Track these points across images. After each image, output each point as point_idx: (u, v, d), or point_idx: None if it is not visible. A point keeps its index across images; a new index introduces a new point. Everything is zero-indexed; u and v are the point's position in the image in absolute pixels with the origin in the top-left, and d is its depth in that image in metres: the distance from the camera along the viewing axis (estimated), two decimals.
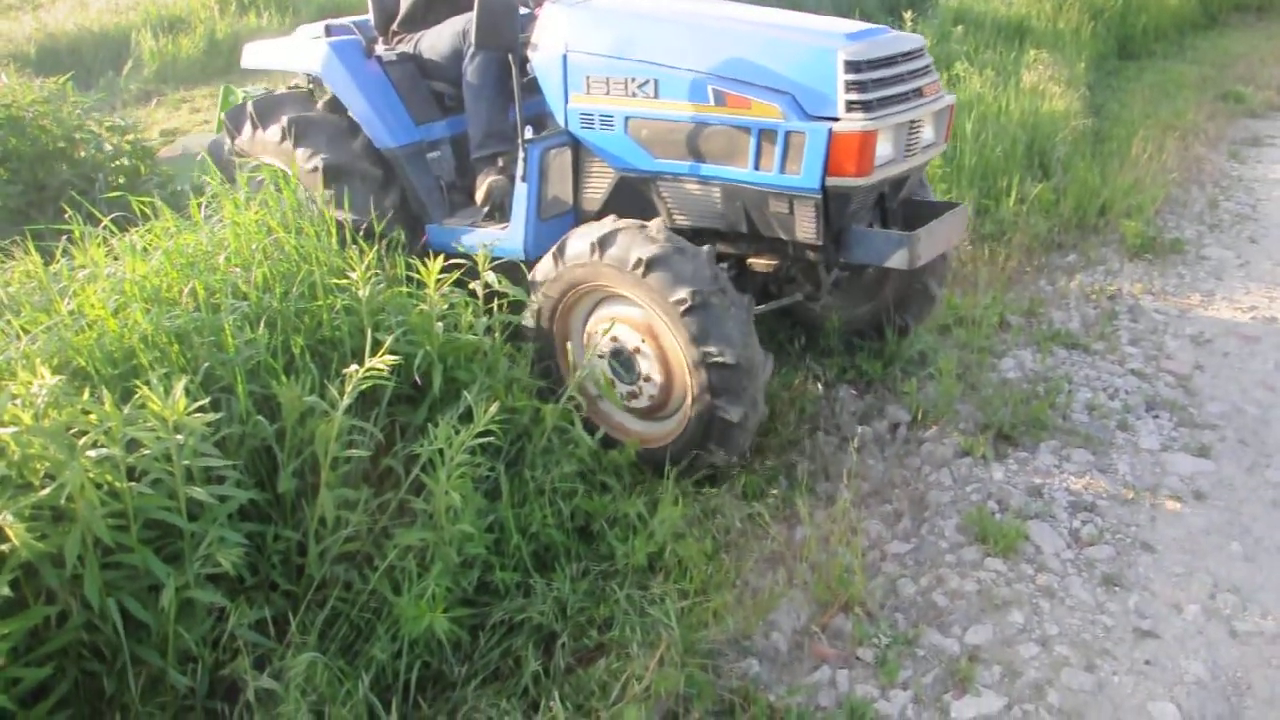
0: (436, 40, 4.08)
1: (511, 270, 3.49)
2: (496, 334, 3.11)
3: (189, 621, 2.19)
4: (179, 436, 2.07)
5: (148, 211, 3.33)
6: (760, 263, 3.54)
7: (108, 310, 2.54)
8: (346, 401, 2.40)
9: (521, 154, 3.59)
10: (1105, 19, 11.42)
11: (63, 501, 1.95)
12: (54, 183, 4.74)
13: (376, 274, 2.91)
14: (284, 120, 3.97)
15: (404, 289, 3.02)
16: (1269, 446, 3.86)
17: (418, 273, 2.98)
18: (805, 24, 3.44)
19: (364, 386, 2.42)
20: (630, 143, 3.48)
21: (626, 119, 3.45)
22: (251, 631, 2.26)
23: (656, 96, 3.35)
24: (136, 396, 2.09)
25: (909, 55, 3.29)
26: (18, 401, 1.99)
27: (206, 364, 2.53)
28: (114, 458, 2.02)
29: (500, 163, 3.85)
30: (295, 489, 2.51)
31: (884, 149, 3.14)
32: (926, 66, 3.39)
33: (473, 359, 3.01)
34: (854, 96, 3.04)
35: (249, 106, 4.12)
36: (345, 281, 2.86)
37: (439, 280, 2.93)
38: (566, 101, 3.58)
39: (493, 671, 2.49)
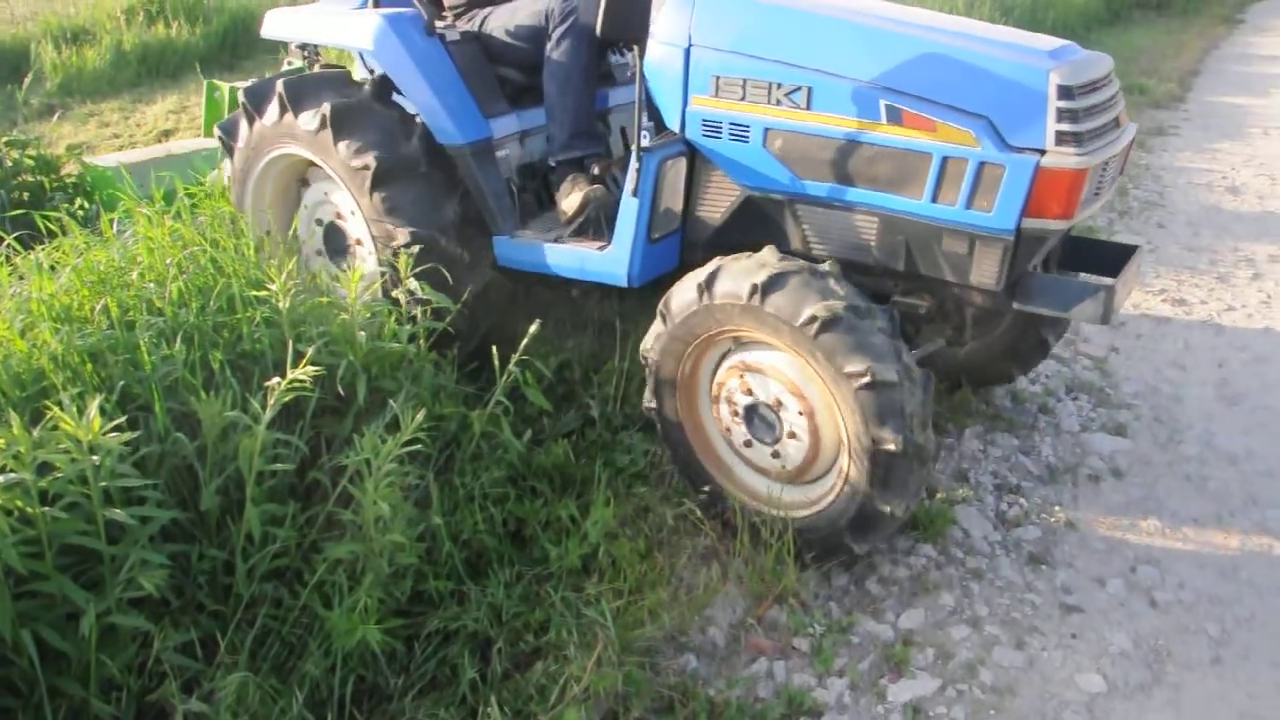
0: (510, 18, 3.57)
1: (432, 274, 3.22)
2: (421, 342, 3.07)
3: (112, 649, 2.14)
4: (94, 457, 2.02)
5: (54, 228, 3.24)
6: (906, 303, 3.12)
7: (14, 331, 2.47)
8: (269, 415, 2.36)
9: (636, 163, 3.07)
10: (1015, 15, 11.70)
11: None
12: None
13: (297, 284, 2.86)
14: (324, 106, 3.40)
15: (325, 298, 2.97)
16: (1181, 423, 3.99)
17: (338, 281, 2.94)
18: (991, 34, 2.94)
19: (287, 399, 2.37)
20: (768, 157, 3.00)
21: (765, 130, 2.97)
22: (178, 654, 2.21)
23: (809, 107, 2.88)
24: (48, 418, 2.03)
25: (1108, 78, 2.88)
26: None
27: (122, 382, 2.46)
28: (25, 482, 1.96)
29: (594, 169, 3.39)
30: (219, 506, 2.46)
31: (1088, 187, 2.71)
32: (1119, 90, 2.95)
33: (397, 368, 2.98)
34: (1065, 127, 2.60)
35: (277, 86, 3.55)
36: (265, 293, 2.80)
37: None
38: (686, 104, 3.08)
39: (429, 681, 2.47)
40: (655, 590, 2.78)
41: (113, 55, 10.15)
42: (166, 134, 8.03)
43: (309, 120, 3.45)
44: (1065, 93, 2.61)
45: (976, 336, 3.56)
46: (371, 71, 3.72)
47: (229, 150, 3.84)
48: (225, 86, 5.30)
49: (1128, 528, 3.33)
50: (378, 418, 2.76)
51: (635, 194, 3.09)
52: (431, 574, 2.66)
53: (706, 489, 3.11)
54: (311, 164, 3.69)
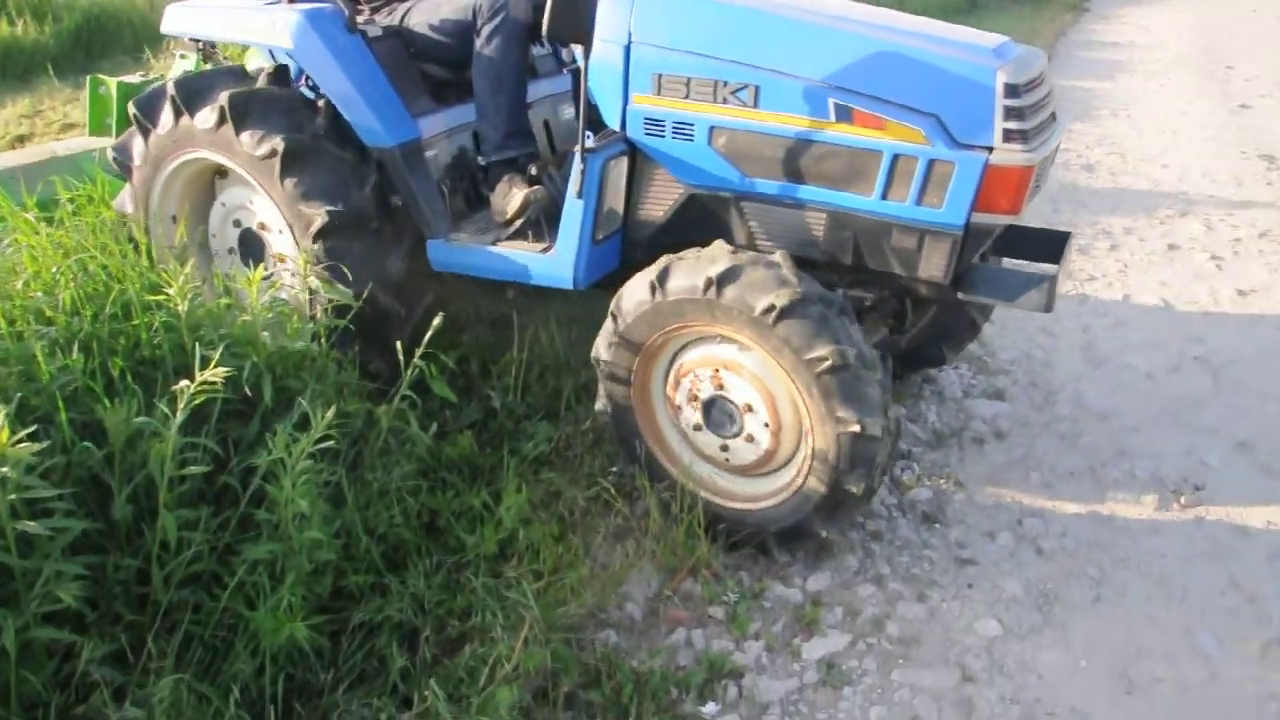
0: (433, 12, 3.45)
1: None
2: (323, 340, 3.06)
3: (30, 665, 2.10)
4: (4, 469, 1.98)
5: None
6: (852, 295, 3.08)
7: None
8: (180, 418, 2.33)
9: (580, 164, 3.00)
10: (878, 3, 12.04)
11: None
12: None
13: (196, 287, 2.82)
14: (220, 99, 3.27)
15: (225, 300, 2.93)
16: (1054, 386, 4.24)
17: (234, 281, 2.91)
18: (935, 32, 2.96)
19: (198, 401, 2.35)
20: (713, 156, 2.99)
21: (711, 128, 2.95)
22: (104, 666, 2.18)
23: (755, 105, 2.87)
24: None
25: (1044, 73, 2.92)
26: None
27: (19, 394, 2.40)
28: None
29: (531, 169, 3.32)
30: (131, 515, 2.42)
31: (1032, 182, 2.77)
32: (1051, 85, 2.99)
33: (300, 367, 2.96)
34: (1013, 125, 2.64)
35: (169, 90, 3.41)
36: (161, 298, 2.76)
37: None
38: (626, 102, 3.04)
39: (359, 674, 2.48)
40: (572, 570, 2.84)
41: None
42: (21, 139, 7.68)
43: (206, 117, 3.34)
44: (1011, 91, 2.65)
45: (913, 324, 3.68)
46: (282, 71, 3.59)
47: (126, 171, 3.68)
48: (111, 81, 5.03)
49: (1012, 484, 3.54)
50: (284, 418, 2.75)
51: (580, 195, 3.03)
52: (351, 569, 2.67)
53: (666, 486, 3.12)
54: (218, 171, 3.60)
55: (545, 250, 3.19)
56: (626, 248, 3.31)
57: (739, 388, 2.90)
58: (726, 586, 2.98)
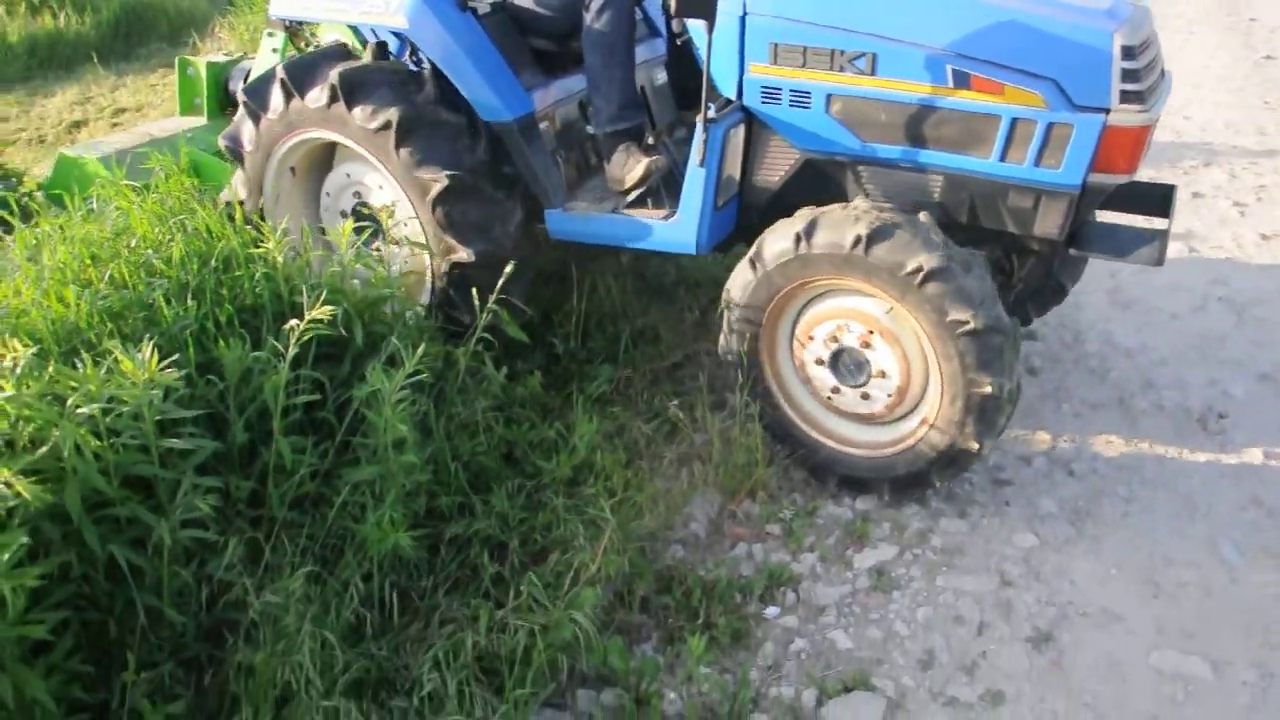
0: None
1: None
2: (403, 288, 3.31)
3: (176, 566, 2.37)
4: (155, 391, 2.24)
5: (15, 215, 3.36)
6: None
7: (50, 293, 2.66)
8: (292, 353, 2.60)
9: (702, 134, 3.09)
10: None
11: (60, 459, 2.10)
12: None
13: (292, 240, 3.08)
14: (330, 77, 3.35)
15: (316, 252, 3.19)
16: (1083, 325, 4.44)
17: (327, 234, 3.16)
18: None
19: (305, 338, 2.61)
20: (831, 123, 3.08)
21: (828, 96, 3.04)
22: (229, 572, 2.44)
23: (873, 73, 2.96)
24: (110, 359, 2.25)
25: (1153, 34, 2.98)
26: None
27: (148, 335, 2.66)
28: (95, 418, 2.18)
29: (648, 138, 3.42)
30: (246, 441, 2.69)
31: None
32: (1159, 45, 3.04)
33: (385, 313, 3.22)
34: (1129, 86, 2.72)
35: (278, 74, 3.49)
36: (261, 250, 3.02)
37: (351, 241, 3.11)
38: (743, 72, 3.13)
39: (454, 582, 2.75)
40: (640, 493, 3.09)
41: None
42: (77, 125, 7.98)
43: (317, 97, 3.43)
44: (1128, 53, 2.71)
45: (1020, 280, 3.75)
46: (383, 47, 3.69)
47: (238, 158, 3.78)
48: (199, 62, 5.14)
49: (1045, 415, 3.76)
50: (371, 358, 3.01)
51: (702, 164, 3.13)
52: (441, 492, 2.93)
53: (785, 433, 3.28)
54: (325, 157, 3.71)
55: (667, 217, 3.29)
56: (742, 212, 3.44)
57: (871, 341, 3.03)
58: (782, 506, 3.23)
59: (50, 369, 2.25)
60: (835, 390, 3.16)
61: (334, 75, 3.36)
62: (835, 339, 3.08)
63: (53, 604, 2.14)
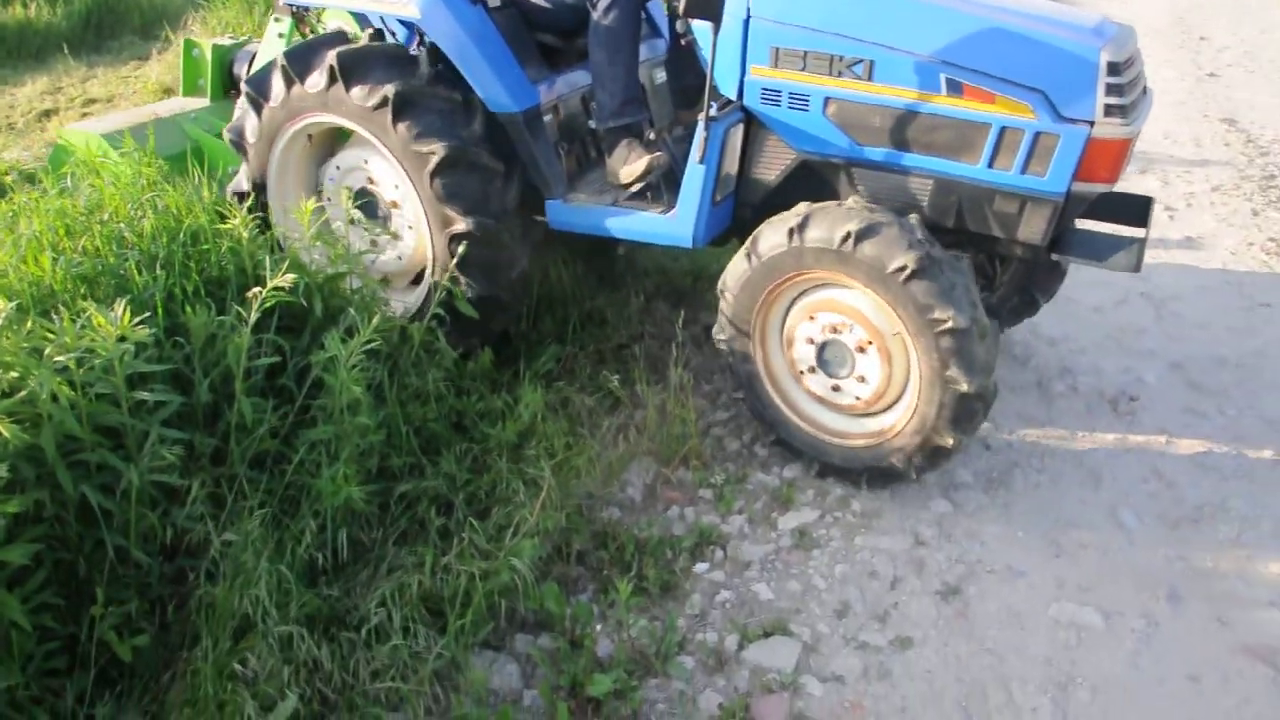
0: None
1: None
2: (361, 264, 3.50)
3: (141, 510, 2.55)
4: (127, 346, 2.43)
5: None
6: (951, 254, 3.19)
7: (28, 257, 2.84)
8: (254, 318, 2.79)
9: (703, 131, 3.23)
10: None
11: (35, 404, 2.29)
12: None
13: (254, 218, 3.27)
14: (329, 59, 3.44)
15: (281, 229, 3.38)
16: None
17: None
18: (1036, 10, 3.11)
19: (268, 305, 2.80)
20: (827, 125, 3.21)
21: (825, 99, 3.17)
22: (200, 511, 2.63)
23: (870, 79, 3.09)
24: (85, 315, 2.44)
25: (1137, 51, 3.14)
26: None
27: (117, 299, 2.85)
28: (70, 368, 2.37)
29: (649, 135, 3.57)
30: (210, 401, 2.88)
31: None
32: (1142, 63, 3.19)
33: (343, 287, 3.41)
34: (1113, 100, 2.87)
35: (279, 61, 3.58)
36: (227, 226, 3.21)
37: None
38: (744, 73, 3.25)
39: (402, 534, 2.95)
40: (581, 458, 3.30)
41: None
42: (47, 114, 8.09)
43: (316, 80, 3.52)
44: (1113, 68, 2.86)
45: (1001, 283, 3.94)
46: (379, 33, 3.86)
47: (255, 106, 3.78)
48: (205, 44, 5.20)
49: None
50: (330, 329, 3.20)
51: (701, 161, 3.26)
52: (393, 453, 3.13)
53: (768, 417, 3.44)
54: (343, 134, 3.80)
55: (665, 212, 3.42)
56: (737, 208, 3.58)
57: (856, 335, 3.17)
58: (714, 473, 3.46)
59: (29, 323, 2.44)
60: (817, 379, 3.31)
61: (331, 56, 3.45)
62: (835, 330, 3.21)
63: (26, 539, 2.31)
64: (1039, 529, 3.28)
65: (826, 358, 3.27)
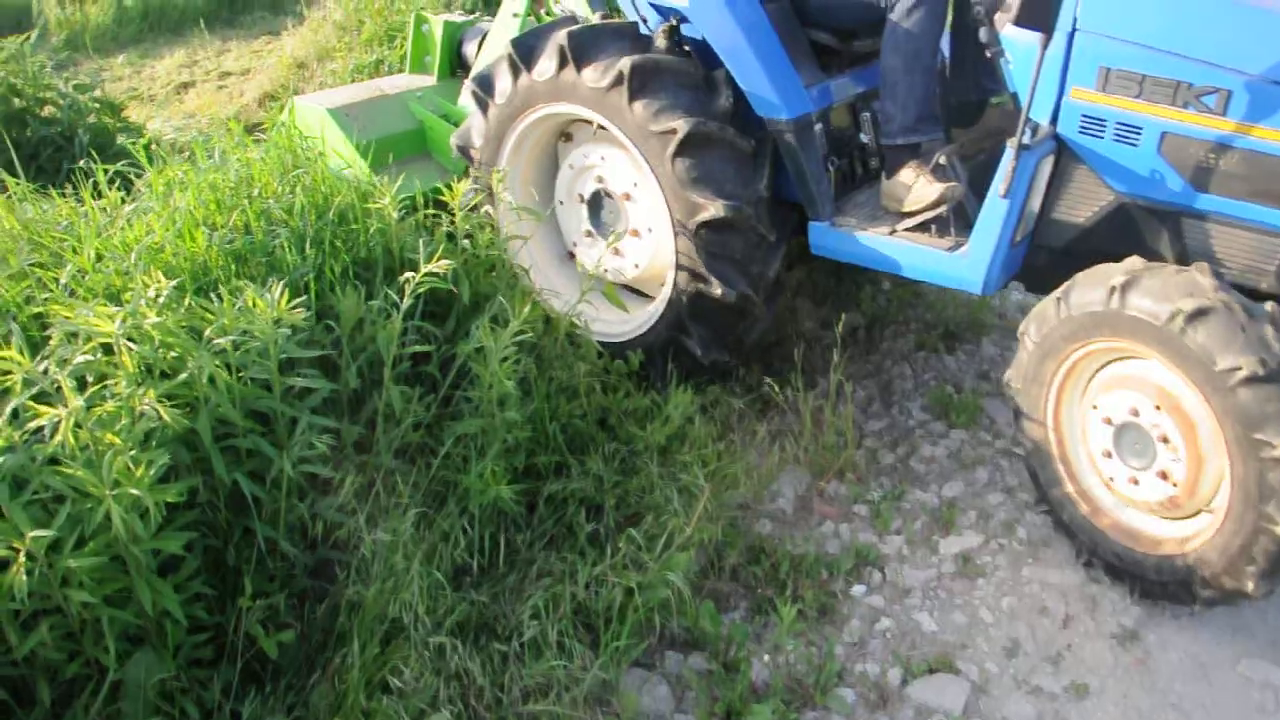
0: None
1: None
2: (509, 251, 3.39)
3: (291, 500, 2.46)
4: (283, 330, 2.34)
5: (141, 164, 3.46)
6: None
7: (189, 231, 2.78)
8: (407, 303, 2.68)
9: (1012, 162, 2.74)
10: None
11: (192, 387, 2.20)
12: (27, 141, 4.82)
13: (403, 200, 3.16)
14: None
15: (429, 211, 3.28)
16: None
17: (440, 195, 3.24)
18: None
19: (421, 290, 2.69)
20: (1161, 164, 2.68)
21: (1163, 134, 2.64)
22: (343, 508, 2.53)
23: (1224, 113, 2.55)
24: (246, 295, 2.35)
25: None
26: (142, 302, 2.23)
27: (269, 279, 2.76)
28: (227, 351, 2.28)
29: (939, 157, 3.06)
30: (357, 387, 2.78)
31: None
32: None
33: (491, 273, 3.29)
34: None
35: (558, 37, 3.25)
36: (376, 206, 3.11)
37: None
38: (1062, 95, 2.77)
39: (549, 539, 2.82)
40: (731, 466, 3.14)
41: (115, 11, 10.25)
42: (184, 86, 8.22)
43: (545, 67, 3.27)
44: None
45: None
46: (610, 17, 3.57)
47: (481, 105, 3.58)
48: (435, 20, 4.93)
49: None
50: (476, 317, 3.08)
51: (1006, 195, 2.79)
52: (539, 451, 3.00)
53: (1049, 492, 2.92)
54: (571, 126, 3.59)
55: (954, 249, 2.96)
56: (1030, 250, 3.07)
57: (1163, 424, 2.61)
58: (870, 488, 3.26)
59: (187, 301, 2.36)
60: (1105, 455, 2.78)
61: (561, 37, 3.20)
62: (1135, 412, 2.67)
63: (180, 526, 2.24)
64: None
65: (1125, 441, 2.72)
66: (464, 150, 3.69)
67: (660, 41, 3.24)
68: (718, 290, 3.18)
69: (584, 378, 3.20)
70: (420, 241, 2.88)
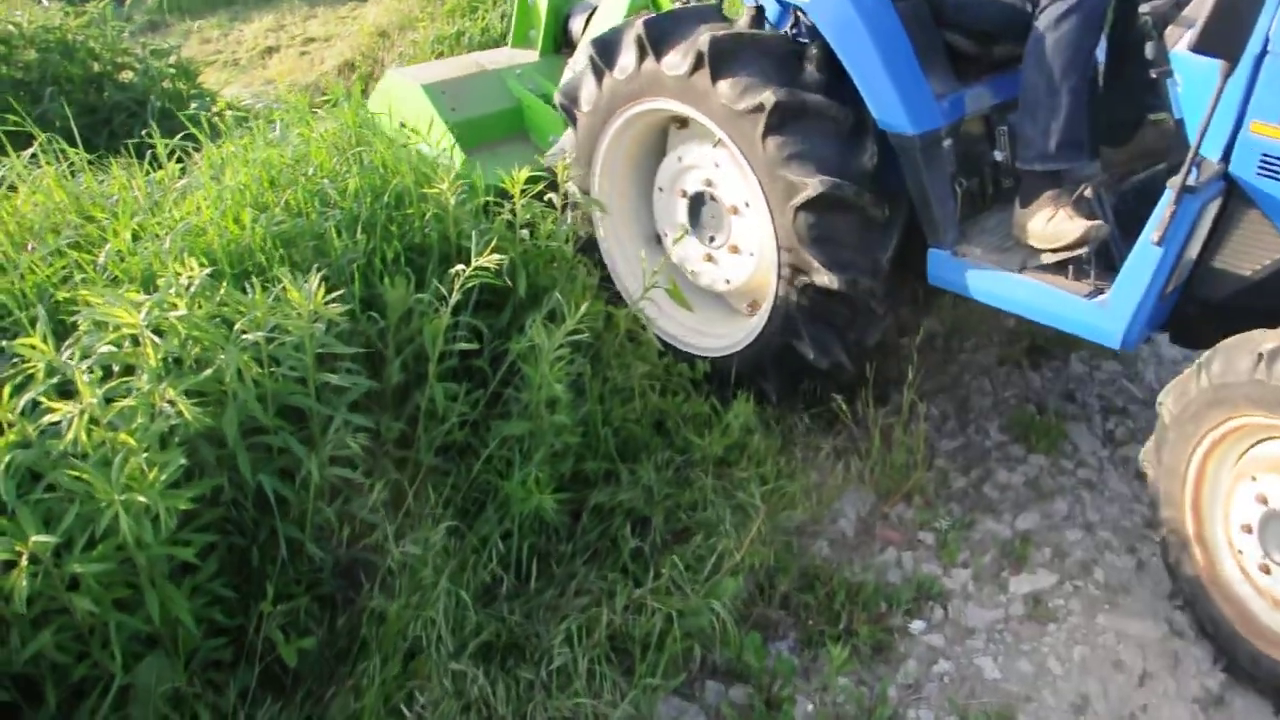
0: None
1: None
2: (570, 242, 3.23)
3: (320, 502, 2.36)
4: (319, 325, 2.22)
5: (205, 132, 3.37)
6: None
7: (231, 214, 2.68)
8: (455, 298, 2.55)
9: (1172, 205, 2.41)
10: None
11: (221, 382, 2.10)
12: (103, 105, 4.81)
13: (461, 184, 3.03)
14: (699, 43, 2.89)
15: (487, 197, 3.14)
16: None
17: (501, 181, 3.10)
18: None
19: (470, 285, 2.55)
20: None
21: None
22: (376, 510, 2.42)
23: None
24: (280, 287, 2.24)
25: None
26: (172, 290, 2.13)
27: (316, 265, 2.65)
28: (259, 345, 2.17)
29: (1085, 191, 2.72)
30: (401, 382, 2.66)
31: None
32: None
33: (550, 265, 3.15)
34: None
35: (635, 29, 3.06)
36: (433, 190, 2.98)
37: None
38: (1239, 128, 2.39)
39: (593, 552, 2.68)
40: (791, 482, 2.96)
41: None
42: (269, 51, 8.22)
43: (676, 62, 2.99)
44: None
45: None
46: (760, 11, 3.22)
47: (596, 72, 3.29)
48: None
49: None
50: (532, 312, 2.94)
51: (1161, 242, 2.45)
52: (589, 456, 2.86)
53: (1186, 586, 2.60)
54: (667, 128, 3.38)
55: (1093, 295, 2.65)
56: (1180, 300, 2.72)
57: None
58: (938, 514, 3.06)
59: (221, 291, 2.26)
60: (1263, 569, 2.42)
61: (703, 40, 2.90)
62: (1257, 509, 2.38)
63: (201, 525, 2.14)
64: None
65: (1271, 533, 2.39)
66: (568, 109, 3.43)
67: (814, 70, 2.93)
68: (824, 277, 2.89)
69: (641, 379, 3.04)
70: (475, 232, 2.74)
